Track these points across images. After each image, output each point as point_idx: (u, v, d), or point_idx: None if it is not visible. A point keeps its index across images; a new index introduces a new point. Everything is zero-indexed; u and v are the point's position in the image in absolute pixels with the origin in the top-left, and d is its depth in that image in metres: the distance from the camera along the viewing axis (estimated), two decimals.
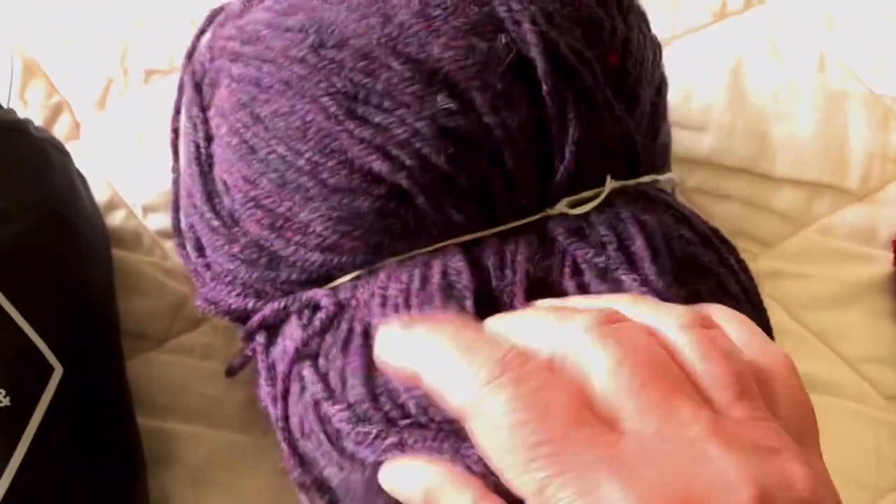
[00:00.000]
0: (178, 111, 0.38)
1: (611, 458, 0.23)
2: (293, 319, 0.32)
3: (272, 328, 0.33)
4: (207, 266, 0.35)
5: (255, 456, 0.41)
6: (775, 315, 0.47)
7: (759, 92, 0.51)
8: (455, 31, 0.29)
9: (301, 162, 0.30)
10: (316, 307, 0.31)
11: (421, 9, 0.29)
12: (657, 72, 0.37)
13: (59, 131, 0.49)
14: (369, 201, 0.30)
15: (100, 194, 0.46)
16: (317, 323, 0.30)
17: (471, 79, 0.29)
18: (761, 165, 0.50)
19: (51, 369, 0.34)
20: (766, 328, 0.34)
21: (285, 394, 0.30)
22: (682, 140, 0.50)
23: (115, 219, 0.47)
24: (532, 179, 0.31)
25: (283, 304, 0.32)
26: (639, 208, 0.32)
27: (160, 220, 0.47)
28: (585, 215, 0.31)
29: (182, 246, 0.38)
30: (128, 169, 0.48)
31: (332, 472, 0.30)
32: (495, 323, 0.28)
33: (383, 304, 0.30)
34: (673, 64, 0.52)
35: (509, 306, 0.29)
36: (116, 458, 0.37)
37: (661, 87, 0.37)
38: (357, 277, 0.31)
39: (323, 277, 0.32)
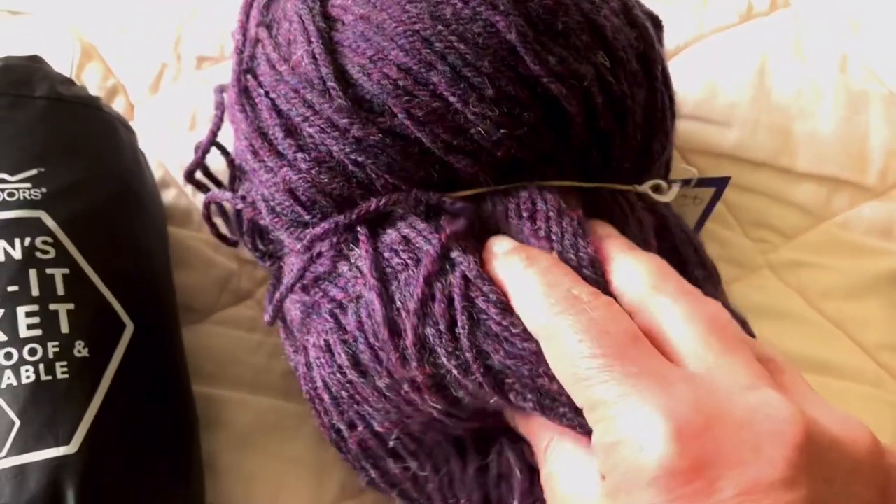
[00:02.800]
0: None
1: (656, 374, 0.26)
2: (407, 215, 0.33)
3: (375, 219, 0.33)
4: (300, 148, 0.34)
5: (296, 421, 0.44)
6: (794, 303, 0.49)
7: (782, 90, 0.54)
8: (617, 10, 0.35)
9: (481, 62, 0.32)
10: (442, 209, 0.33)
11: None
12: None
13: None
14: (533, 115, 0.32)
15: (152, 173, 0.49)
16: (461, 225, 0.32)
17: (623, 50, 0.34)
18: (783, 160, 0.52)
19: (123, 326, 0.37)
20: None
21: (429, 276, 0.31)
22: (707, 134, 0.52)
23: (167, 197, 0.49)
24: (639, 147, 0.35)
25: (401, 199, 0.33)
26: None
27: None
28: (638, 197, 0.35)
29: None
30: (179, 150, 0.50)
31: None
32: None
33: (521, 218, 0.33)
34: (700, 62, 0.55)
35: None
36: (178, 414, 0.39)
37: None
38: (483, 194, 0.33)
39: (445, 184, 0.33)
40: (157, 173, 0.49)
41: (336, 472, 0.43)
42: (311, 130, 0.33)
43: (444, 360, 0.30)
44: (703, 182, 0.42)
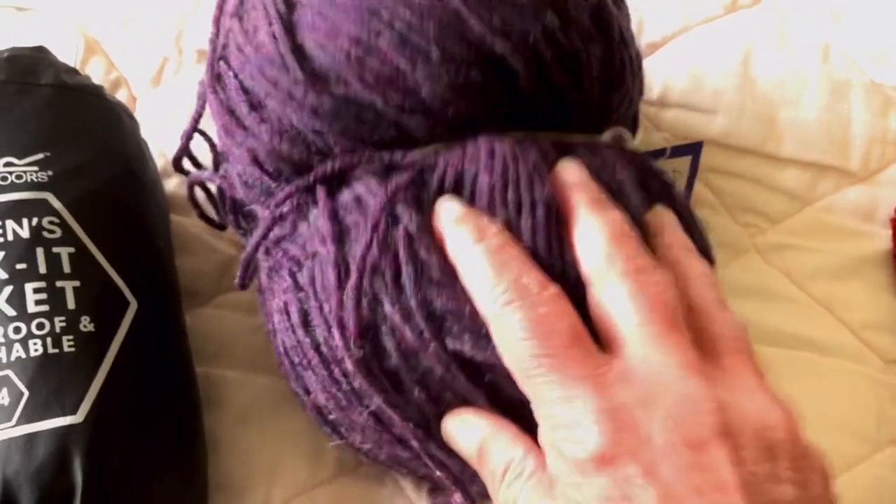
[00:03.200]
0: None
1: (594, 377, 0.29)
2: (363, 175, 0.35)
3: (332, 180, 0.36)
4: (263, 120, 0.36)
5: (293, 400, 0.45)
6: (781, 284, 0.51)
7: (766, 79, 0.55)
8: None
9: (426, 26, 0.34)
10: (394, 167, 0.35)
11: None
12: None
13: None
14: (481, 74, 0.34)
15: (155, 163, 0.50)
16: (406, 178, 0.34)
17: (574, 9, 0.36)
18: (769, 147, 0.53)
19: (127, 303, 0.38)
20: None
21: (376, 225, 0.33)
22: (694, 122, 0.54)
23: (169, 185, 0.51)
24: (597, 100, 0.37)
25: (355, 160, 0.35)
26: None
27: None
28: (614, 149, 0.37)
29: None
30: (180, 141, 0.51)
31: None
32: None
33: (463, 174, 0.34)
34: (686, 52, 0.56)
35: None
36: (181, 390, 0.40)
37: None
38: (437, 150, 0.35)
39: (402, 145, 0.35)
40: (159, 163, 0.51)
41: (333, 448, 0.44)
42: (272, 103, 0.36)
43: (387, 307, 0.33)
44: (676, 151, 0.43)
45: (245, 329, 0.47)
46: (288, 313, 0.36)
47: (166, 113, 0.53)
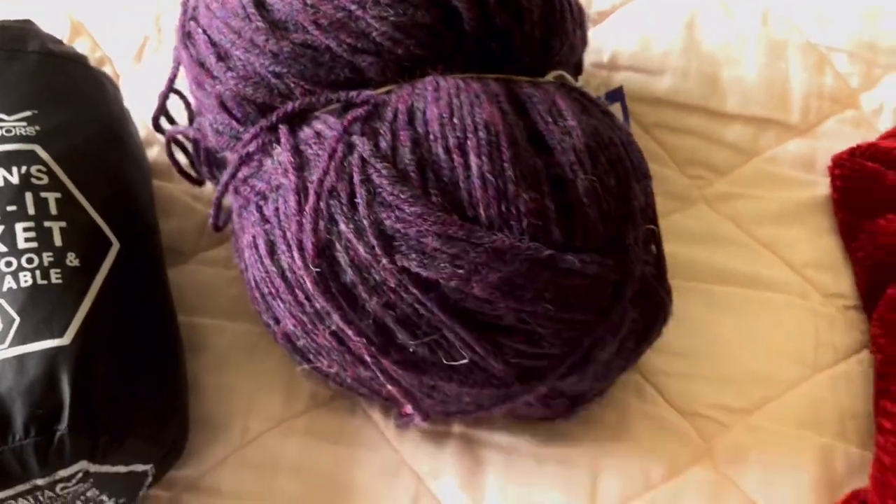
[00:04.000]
0: None
1: None
2: (322, 114, 0.39)
3: (294, 119, 0.39)
4: (229, 69, 0.40)
5: (268, 343, 0.47)
6: (728, 229, 0.54)
7: (710, 41, 0.59)
8: None
9: None
10: (351, 104, 0.38)
11: None
12: None
13: None
14: (429, 16, 0.38)
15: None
16: (360, 112, 0.37)
17: None
18: (713, 103, 0.57)
19: (110, 243, 0.41)
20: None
21: (332, 153, 0.37)
22: (643, 83, 0.58)
23: (151, 153, 0.54)
24: (538, 43, 0.40)
25: (315, 100, 0.38)
26: None
27: None
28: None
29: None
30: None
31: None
32: None
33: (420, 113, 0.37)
34: (634, 19, 0.60)
35: None
36: (162, 326, 0.44)
37: None
38: (389, 90, 0.38)
39: (357, 85, 0.39)
40: (142, 133, 0.54)
41: (307, 383, 0.47)
42: (237, 52, 0.40)
43: (342, 226, 0.36)
44: (608, 97, 0.46)
45: (223, 281, 0.50)
46: (256, 246, 0.40)
47: (148, 88, 0.56)
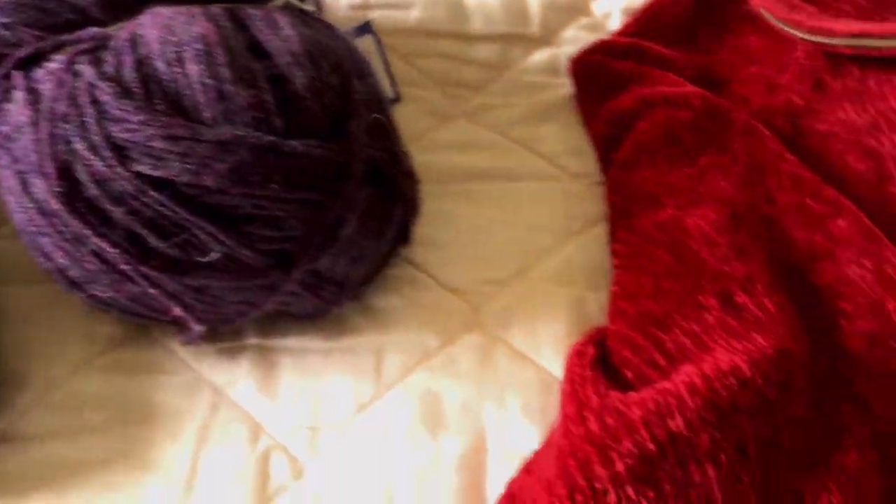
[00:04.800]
0: None
1: None
2: (53, 56, 0.42)
3: (28, 65, 0.42)
4: None
5: (65, 299, 0.49)
6: (488, 136, 0.60)
7: None
8: None
9: None
10: (80, 42, 0.42)
11: None
12: None
13: None
14: None
15: None
16: (85, 45, 0.41)
17: None
18: (461, 27, 0.63)
19: None
20: None
21: (61, 82, 0.40)
22: (395, 17, 0.63)
23: None
24: None
25: (44, 45, 0.42)
26: None
27: None
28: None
29: None
30: None
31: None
32: None
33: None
34: None
35: None
36: None
37: None
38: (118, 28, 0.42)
39: (79, 25, 0.42)
40: None
41: (104, 328, 0.49)
42: None
43: (77, 145, 0.39)
44: (356, 32, 0.51)
45: (21, 249, 0.52)
46: (13, 189, 0.42)
47: None
